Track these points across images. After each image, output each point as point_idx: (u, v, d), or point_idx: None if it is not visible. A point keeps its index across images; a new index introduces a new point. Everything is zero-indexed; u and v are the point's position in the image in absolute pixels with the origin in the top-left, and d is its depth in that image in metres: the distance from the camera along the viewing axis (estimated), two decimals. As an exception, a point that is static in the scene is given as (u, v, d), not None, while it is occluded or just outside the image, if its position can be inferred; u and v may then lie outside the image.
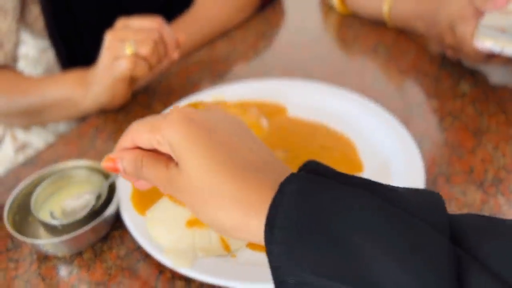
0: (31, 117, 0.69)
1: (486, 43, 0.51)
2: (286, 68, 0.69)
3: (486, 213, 0.45)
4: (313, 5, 0.87)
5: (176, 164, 0.31)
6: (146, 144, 0.32)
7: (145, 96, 0.65)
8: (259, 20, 0.83)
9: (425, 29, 0.66)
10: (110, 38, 0.55)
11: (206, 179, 0.29)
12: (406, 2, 0.68)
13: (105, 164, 0.34)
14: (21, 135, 0.88)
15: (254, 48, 0.76)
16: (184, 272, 0.39)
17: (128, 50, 0.54)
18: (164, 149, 0.31)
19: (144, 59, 0.55)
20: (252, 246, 0.42)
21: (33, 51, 0.83)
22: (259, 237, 0.27)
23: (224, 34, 0.78)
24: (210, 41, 0.76)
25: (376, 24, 0.76)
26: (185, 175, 0.29)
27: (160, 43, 0.56)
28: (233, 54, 0.74)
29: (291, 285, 0.26)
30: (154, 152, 0.33)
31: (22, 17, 0.73)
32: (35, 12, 0.74)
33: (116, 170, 0.33)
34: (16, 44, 0.72)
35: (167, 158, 0.32)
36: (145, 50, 0.54)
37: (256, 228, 0.27)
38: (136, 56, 0.55)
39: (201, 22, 0.73)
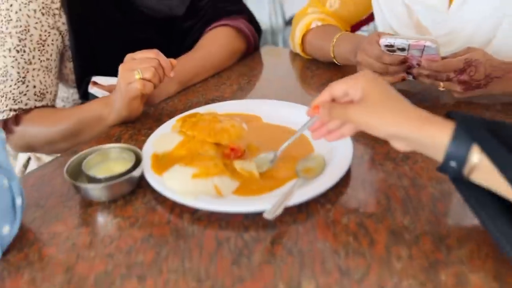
0: (70, 139, 0.86)
1: (387, 40, 0.75)
2: (260, 95, 0.92)
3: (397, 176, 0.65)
4: (283, 53, 1.13)
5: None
6: (340, 92, 0.55)
7: (156, 112, 0.87)
8: (242, 64, 1.08)
9: (355, 59, 0.90)
10: (122, 69, 0.77)
11: (389, 104, 0.52)
12: (343, 45, 0.93)
13: (311, 110, 0.57)
14: (44, 156, 1.07)
15: (237, 83, 0.99)
16: (189, 204, 0.59)
17: (137, 76, 0.76)
18: (354, 93, 0.54)
19: (149, 80, 0.77)
20: (236, 192, 0.62)
21: (63, 94, 1.05)
22: (434, 140, 0.48)
23: (216, 73, 1.02)
24: (207, 76, 1.00)
25: (328, 65, 1.01)
26: (370, 109, 0.52)
27: (158, 67, 0.78)
28: (222, 87, 0.97)
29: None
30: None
31: (59, 72, 0.96)
32: (69, 68, 0.97)
33: (317, 113, 0.57)
34: (56, 94, 0.94)
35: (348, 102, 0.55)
36: (148, 74, 0.76)
37: (432, 137, 0.48)
38: (143, 79, 0.76)
39: (203, 61, 0.97)
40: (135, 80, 0.76)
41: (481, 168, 0.47)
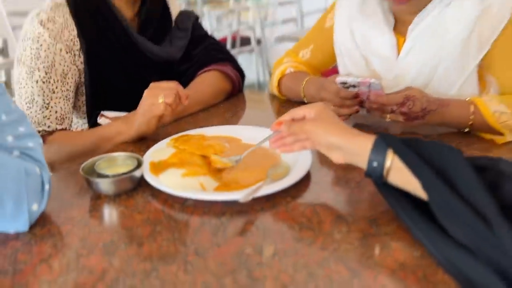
0: (90, 155, 0.99)
1: (341, 78, 0.94)
2: (242, 125, 1.10)
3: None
4: (263, 95, 1.32)
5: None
6: (299, 115, 0.74)
7: (163, 131, 1.03)
8: (228, 102, 1.27)
9: (319, 97, 1.08)
10: (148, 94, 0.95)
11: (333, 122, 0.70)
12: (310, 86, 1.13)
13: (274, 125, 0.76)
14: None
15: (223, 116, 1.17)
16: (179, 194, 0.74)
17: (161, 100, 0.94)
18: (309, 115, 0.72)
19: (170, 105, 0.95)
20: (217, 189, 0.77)
21: (73, 125, 1.22)
22: (360, 148, 0.66)
23: (205, 108, 1.20)
24: (197, 110, 1.18)
25: (299, 104, 1.19)
26: (319, 123, 0.71)
27: (177, 96, 0.96)
28: (210, 119, 1.15)
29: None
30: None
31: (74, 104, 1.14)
32: (81, 101, 1.15)
33: (279, 127, 0.76)
34: (72, 120, 1.12)
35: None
36: (169, 100, 0.94)
37: (360, 147, 0.66)
38: (165, 103, 0.94)
39: (195, 97, 1.15)
40: (159, 103, 0.94)
41: (395, 168, 0.64)
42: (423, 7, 1.06)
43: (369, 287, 0.55)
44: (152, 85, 0.98)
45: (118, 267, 0.61)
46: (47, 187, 0.70)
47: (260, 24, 3.25)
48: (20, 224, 0.67)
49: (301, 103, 1.19)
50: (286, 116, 0.76)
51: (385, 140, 0.65)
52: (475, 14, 1.02)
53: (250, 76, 1.71)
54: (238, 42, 3.49)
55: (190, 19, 1.25)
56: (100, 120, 1.11)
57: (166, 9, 1.20)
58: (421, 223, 0.62)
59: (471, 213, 0.54)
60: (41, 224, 0.71)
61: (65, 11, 1.08)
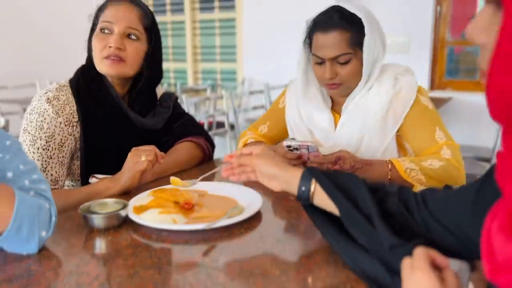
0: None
1: (286, 142, 1.20)
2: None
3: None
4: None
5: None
6: (247, 151, 0.98)
7: (144, 187, 1.26)
8: (199, 167, 1.51)
9: None
10: (131, 155, 1.20)
11: (274, 157, 0.96)
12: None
13: (226, 157, 1.00)
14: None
15: (195, 177, 1.41)
16: (156, 226, 0.95)
17: (143, 158, 1.18)
18: (255, 152, 0.97)
19: (151, 161, 1.19)
20: (186, 223, 0.99)
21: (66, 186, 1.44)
22: (293, 177, 0.89)
23: (180, 171, 1.45)
24: (174, 173, 1.41)
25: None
26: (262, 158, 0.95)
27: (155, 155, 1.20)
28: (183, 179, 1.38)
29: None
30: None
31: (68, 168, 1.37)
32: (76, 165, 1.38)
33: (230, 160, 0.98)
34: (65, 182, 1.34)
35: None
36: (150, 157, 1.18)
37: (292, 176, 0.90)
38: (147, 160, 1.18)
39: (172, 162, 1.39)
40: (142, 160, 1.18)
41: (317, 192, 0.88)
42: (352, 91, 1.37)
43: None
44: (133, 149, 1.23)
45: (108, 272, 0.81)
46: (54, 219, 0.91)
47: (233, 110, 3.61)
48: (32, 247, 0.87)
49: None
50: (237, 152, 1.01)
51: (310, 171, 0.89)
52: (389, 96, 1.33)
53: (224, 153, 2.02)
54: (214, 125, 3.83)
55: (172, 99, 1.54)
56: (92, 180, 1.33)
57: (152, 90, 1.48)
58: (338, 237, 0.85)
59: (365, 221, 0.78)
60: (46, 246, 0.91)
61: (68, 90, 1.34)
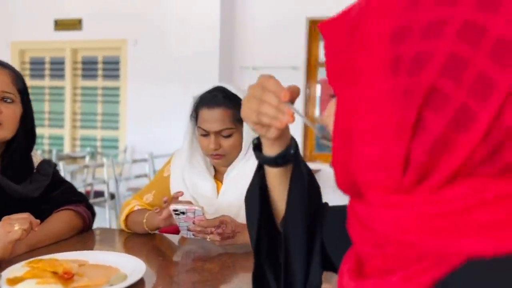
0: None
1: (173, 206, 1.24)
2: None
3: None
4: (111, 231, 1.55)
5: None
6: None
7: (17, 259, 1.18)
8: (79, 236, 1.46)
9: (161, 226, 1.37)
10: (2, 223, 1.13)
11: None
12: (151, 219, 1.41)
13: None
14: None
15: (74, 247, 1.36)
16: (33, 298, 0.91)
17: (17, 227, 1.12)
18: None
19: (24, 230, 1.13)
20: (65, 293, 0.96)
21: None
22: None
23: (57, 241, 1.38)
24: (49, 243, 1.35)
25: (143, 235, 1.46)
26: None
27: (30, 223, 1.15)
28: (61, 249, 1.33)
29: None
30: None
31: None
32: None
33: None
34: None
35: None
36: (25, 226, 1.13)
37: None
38: (22, 229, 1.12)
39: (47, 232, 1.33)
40: (14, 230, 1.12)
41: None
42: (232, 161, 1.49)
43: None
44: (5, 217, 1.17)
45: None
46: None
47: (114, 179, 3.53)
48: None
49: (145, 235, 1.46)
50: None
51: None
52: (266, 166, 1.48)
53: (102, 225, 1.95)
54: (92, 195, 3.67)
55: (51, 167, 1.50)
56: None
57: (27, 155, 1.43)
58: None
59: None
60: None
61: None
